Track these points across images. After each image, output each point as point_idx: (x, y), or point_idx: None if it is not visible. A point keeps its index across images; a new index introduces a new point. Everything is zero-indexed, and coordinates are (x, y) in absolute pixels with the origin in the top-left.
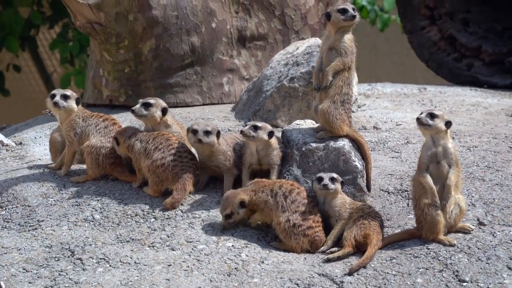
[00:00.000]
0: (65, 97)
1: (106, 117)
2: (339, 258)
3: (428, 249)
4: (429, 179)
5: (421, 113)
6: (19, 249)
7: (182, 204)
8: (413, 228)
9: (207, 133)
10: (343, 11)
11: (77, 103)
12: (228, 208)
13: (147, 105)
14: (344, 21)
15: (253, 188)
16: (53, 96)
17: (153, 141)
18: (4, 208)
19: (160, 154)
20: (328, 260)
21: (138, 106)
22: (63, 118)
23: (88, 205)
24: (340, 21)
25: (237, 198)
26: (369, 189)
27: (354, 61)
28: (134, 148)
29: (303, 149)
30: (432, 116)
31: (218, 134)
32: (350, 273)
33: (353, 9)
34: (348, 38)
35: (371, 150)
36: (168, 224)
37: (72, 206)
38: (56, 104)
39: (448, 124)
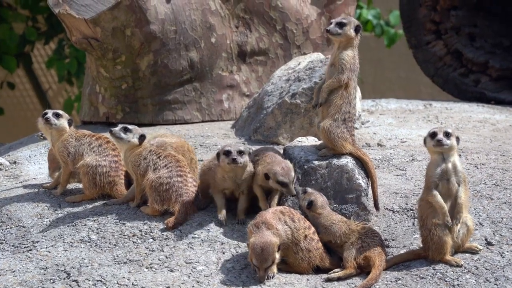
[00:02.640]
0: (57, 115)
1: (99, 136)
2: (339, 279)
3: (435, 269)
4: (439, 198)
5: (437, 134)
6: (13, 271)
7: (177, 227)
8: (419, 249)
9: (241, 153)
10: (328, 25)
11: (69, 124)
12: (270, 259)
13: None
14: (332, 36)
15: (267, 227)
16: (45, 114)
17: (164, 158)
18: None
19: (168, 173)
20: (328, 280)
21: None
22: (55, 138)
23: (84, 225)
24: (328, 35)
25: (273, 245)
26: (377, 208)
27: (353, 78)
28: (142, 162)
29: (305, 167)
30: (447, 135)
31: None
32: None
33: (338, 24)
34: (348, 54)
35: (375, 168)
36: (167, 245)
37: (67, 226)
38: (47, 120)
39: (457, 140)
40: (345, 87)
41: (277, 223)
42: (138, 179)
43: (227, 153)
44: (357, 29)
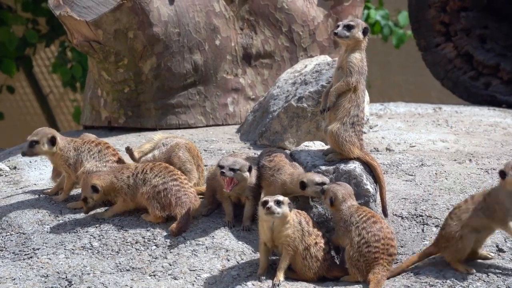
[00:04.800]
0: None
1: (99, 142)
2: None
3: (445, 277)
4: None
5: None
6: (14, 279)
7: (182, 232)
8: (429, 246)
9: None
10: (336, 27)
11: (52, 144)
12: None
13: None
14: (339, 39)
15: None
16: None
17: (151, 171)
18: None
19: (161, 180)
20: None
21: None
22: (50, 160)
23: (86, 232)
24: (335, 38)
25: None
26: (386, 214)
27: (362, 81)
28: (130, 186)
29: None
30: None
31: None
32: None
33: (346, 26)
34: (356, 57)
35: (384, 173)
36: (170, 252)
37: (69, 233)
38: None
39: None
40: (353, 90)
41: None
42: (128, 203)
43: (221, 168)
44: (365, 32)
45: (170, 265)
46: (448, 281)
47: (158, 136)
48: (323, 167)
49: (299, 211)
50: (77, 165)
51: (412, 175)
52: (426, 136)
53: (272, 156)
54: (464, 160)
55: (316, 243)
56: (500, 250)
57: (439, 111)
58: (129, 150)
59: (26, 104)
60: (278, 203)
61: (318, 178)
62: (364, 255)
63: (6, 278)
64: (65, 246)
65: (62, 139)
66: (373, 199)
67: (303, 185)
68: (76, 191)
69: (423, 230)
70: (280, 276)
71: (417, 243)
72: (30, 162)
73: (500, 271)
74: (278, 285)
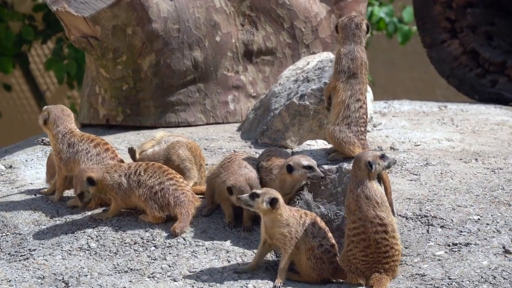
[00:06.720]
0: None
1: (98, 142)
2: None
3: (450, 279)
4: None
5: None
6: (9, 281)
7: (184, 231)
8: None
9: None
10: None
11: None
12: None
13: None
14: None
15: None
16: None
17: (145, 172)
18: None
19: (157, 180)
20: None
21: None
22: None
23: (83, 232)
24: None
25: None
26: (393, 214)
27: (343, 80)
28: (121, 186)
29: None
30: None
31: None
32: None
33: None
34: (338, 53)
35: (388, 173)
36: (170, 253)
37: (66, 234)
38: None
39: None
40: (336, 91)
41: (292, 214)
42: (118, 203)
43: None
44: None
45: (169, 266)
46: (453, 283)
47: (159, 134)
48: (326, 166)
49: (307, 211)
50: (71, 163)
51: (416, 175)
52: (431, 134)
53: (270, 156)
54: (470, 159)
55: (321, 245)
56: (506, 251)
57: (444, 109)
58: (132, 151)
59: (23, 101)
60: (252, 196)
61: (305, 161)
62: (355, 264)
63: (2, 280)
64: (62, 247)
65: (60, 125)
66: None
67: (289, 168)
68: (71, 192)
69: (428, 231)
70: (281, 277)
71: (422, 244)
72: (26, 161)
73: (507, 273)
74: (279, 287)
